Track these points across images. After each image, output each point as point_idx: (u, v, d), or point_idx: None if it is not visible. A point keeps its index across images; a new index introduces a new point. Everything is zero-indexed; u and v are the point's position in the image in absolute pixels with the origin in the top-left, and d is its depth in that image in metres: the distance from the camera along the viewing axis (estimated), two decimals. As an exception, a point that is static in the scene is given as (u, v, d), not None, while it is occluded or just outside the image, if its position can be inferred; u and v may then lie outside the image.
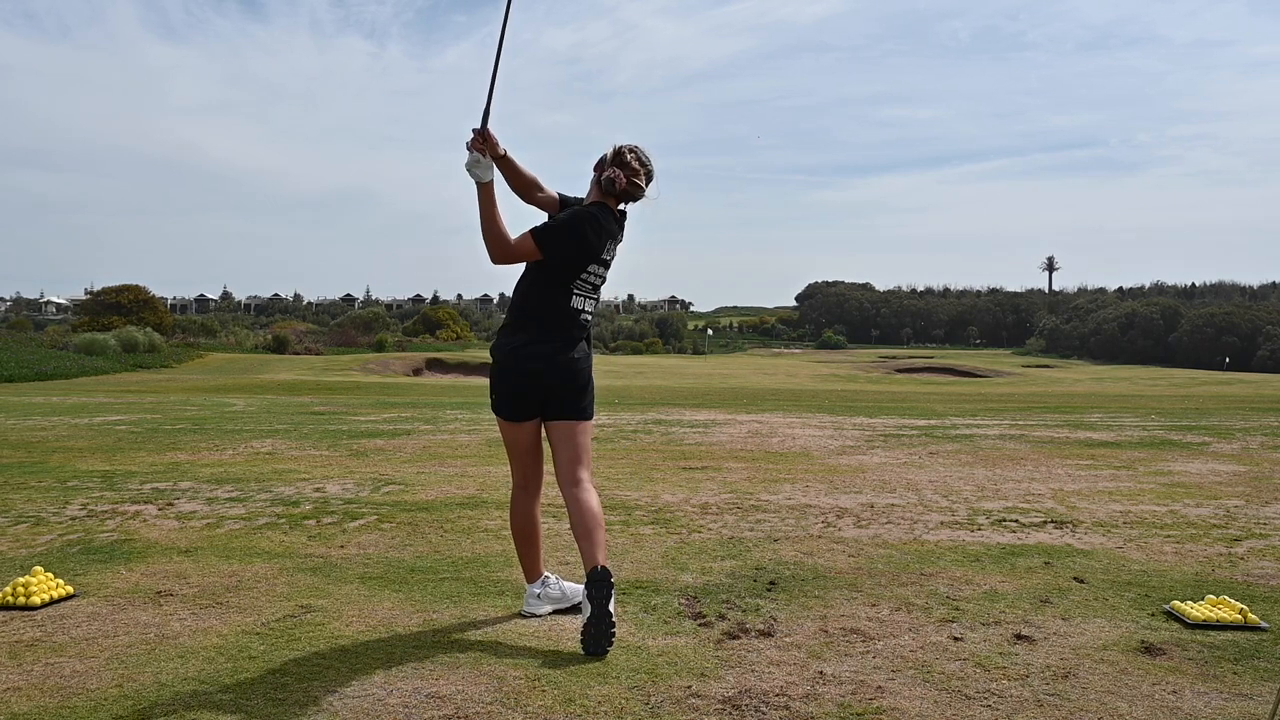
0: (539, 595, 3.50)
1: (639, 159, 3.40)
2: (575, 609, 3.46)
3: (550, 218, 3.44)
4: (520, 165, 3.45)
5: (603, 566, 3.18)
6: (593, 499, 3.39)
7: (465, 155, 3.28)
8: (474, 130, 3.29)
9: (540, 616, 3.46)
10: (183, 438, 9.48)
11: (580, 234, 3.31)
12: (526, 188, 3.49)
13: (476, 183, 3.26)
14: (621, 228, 3.49)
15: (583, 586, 3.34)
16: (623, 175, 3.37)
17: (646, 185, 3.45)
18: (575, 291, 3.38)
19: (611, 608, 3.09)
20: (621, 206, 3.49)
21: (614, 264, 3.53)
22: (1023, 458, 8.08)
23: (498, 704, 2.67)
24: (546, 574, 3.56)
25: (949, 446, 8.91)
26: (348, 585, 3.87)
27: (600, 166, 3.43)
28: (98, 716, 2.57)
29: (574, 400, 3.41)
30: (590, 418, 3.50)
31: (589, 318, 3.47)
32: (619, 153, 3.40)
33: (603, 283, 3.50)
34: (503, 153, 3.35)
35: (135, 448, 8.53)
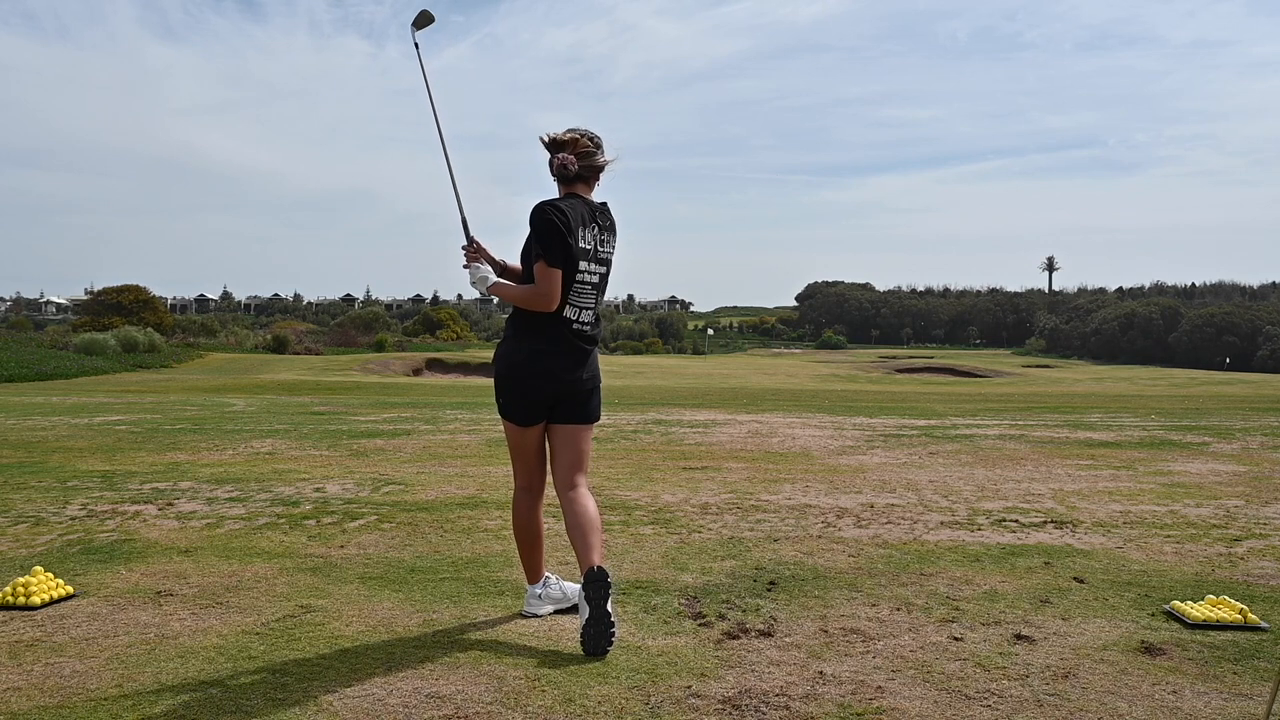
0: (540, 595, 3.50)
1: (571, 131, 3.31)
2: (575, 609, 3.46)
3: (530, 245, 3.32)
4: (504, 261, 3.53)
5: (599, 567, 3.16)
6: (589, 502, 3.37)
7: (467, 273, 3.45)
8: (463, 247, 3.45)
9: (541, 617, 3.46)
10: (183, 438, 9.48)
11: (559, 225, 3.19)
12: (515, 277, 3.51)
13: (487, 291, 3.37)
14: (605, 217, 3.35)
15: (575, 586, 3.36)
16: (569, 156, 3.28)
17: (599, 150, 3.33)
18: (569, 301, 3.28)
19: (610, 608, 3.08)
20: (598, 198, 3.38)
21: (616, 263, 3.45)
22: (1023, 458, 8.08)
23: (498, 704, 2.67)
24: (547, 574, 3.56)
25: (949, 446, 8.91)
26: (348, 585, 3.87)
27: (551, 167, 3.33)
28: (98, 716, 2.57)
29: (582, 406, 3.39)
30: (594, 420, 3.47)
31: (588, 326, 3.35)
32: (553, 141, 3.30)
33: (600, 280, 3.37)
34: (501, 262, 3.50)
35: (135, 448, 8.53)
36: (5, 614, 3.46)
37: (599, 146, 3.35)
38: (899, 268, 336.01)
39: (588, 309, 3.35)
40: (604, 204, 3.41)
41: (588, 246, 3.29)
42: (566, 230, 3.21)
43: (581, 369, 3.35)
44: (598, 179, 3.40)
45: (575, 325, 3.32)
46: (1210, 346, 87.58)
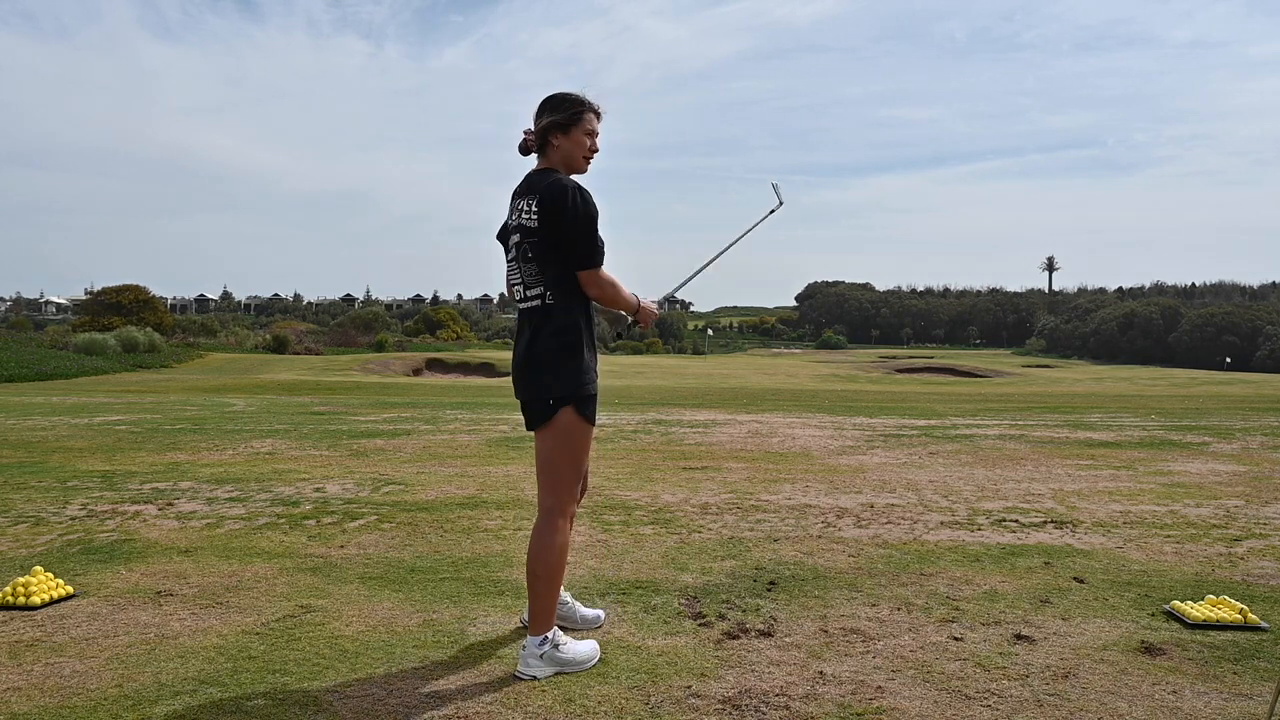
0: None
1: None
2: (576, 629, 3.35)
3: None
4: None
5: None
6: (540, 541, 2.97)
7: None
8: (653, 305, 3.19)
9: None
10: (183, 438, 9.48)
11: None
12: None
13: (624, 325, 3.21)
14: (526, 181, 3.06)
15: (594, 612, 3.36)
16: (527, 131, 3.11)
17: (541, 114, 3.07)
18: (510, 281, 3.14)
19: (529, 671, 2.89)
20: (598, 170, 3.19)
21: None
22: (1023, 458, 8.08)
23: (498, 704, 2.67)
24: (564, 595, 3.37)
25: (949, 446, 8.91)
26: (348, 585, 3.87)
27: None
28: (98, 716, 2.57)
29: (525, 406, 3.06)
30: (536, 425, 3.01)
31: (522, 301, 3.06)
32: (526, 140, 3.16)
33: (520, 250, 3.03)
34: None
35: (135, 448, 8.53)
36: (5, 614, 3.46)
37: (545, 112, 3.07)
38: (899, 268, 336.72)
39: (515, 284, 3.08)
40: (536, 170, 3.11)
41: (511, 220, 3.10)
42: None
43: (522, 343, 3.04)
44: (554, 144, 3.07)
45: (518, 301, 3.10)
46: (1210, 346, 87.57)
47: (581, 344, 3.00)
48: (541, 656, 2.90)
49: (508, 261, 3.14)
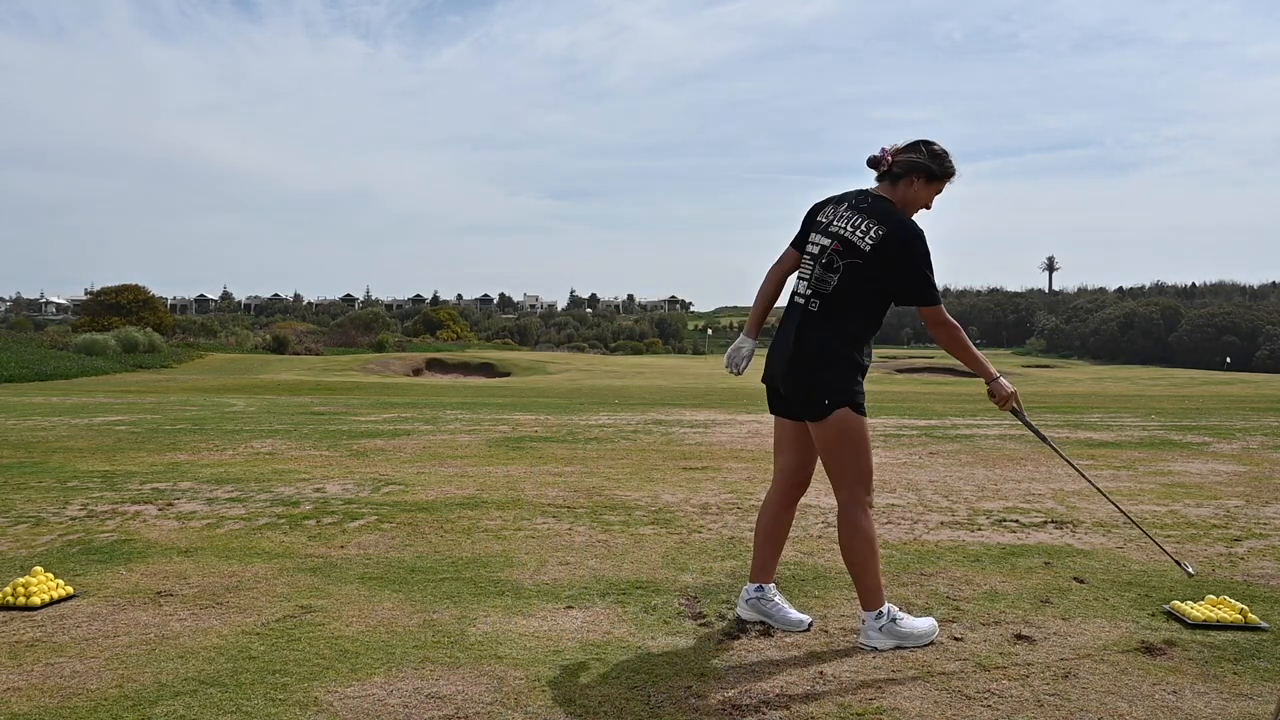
0: (748, 601, 3.40)
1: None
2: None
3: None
4: None
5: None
6: (843, 534, 3.19)
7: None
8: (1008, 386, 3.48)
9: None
10: (183, 438, 9.48)
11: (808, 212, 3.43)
12: None
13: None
14: (863, 200, 3.27)
15: (798, 616, 3.37)
16: (889, 149, 3.33)
17: (919, 153, 3.26)
18: (799, 275, 3.35)
19: (870, 642, 3.15)
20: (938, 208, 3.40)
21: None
22: (1023, 458, 8.07)
23: (498, 704, 2.67)
24: (768, 585, 3.41)
25: (949, 446, 8.90)
26: (348, 585, 3.87)
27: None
28: (98, 716, 2.58)
29: (797, 399, 3.26)
30: (819, 417, 3.17)
31: (800, 298, 3.26)
32: (884, 159, 3.34)
33: (820, 252, 3.23)
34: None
35: (135, 448, 8.53)
36: (5, 614, 3.46)
37: (920, 151, 3.26)
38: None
39: (803, 279, 3.30)
40: (880, 194, 3.28)
41: (823, 220, 3.30)
42: (809, 213, 3.38)
43: (789, 344, 3.24)
44: (911, 181, 3.26)
45: (794, 295, 3.33)
46: (1210, 346, 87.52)
47: (850, 353, 3.20)
48: (880, 629, 3.14)
49: (803, 252, 3.33)
